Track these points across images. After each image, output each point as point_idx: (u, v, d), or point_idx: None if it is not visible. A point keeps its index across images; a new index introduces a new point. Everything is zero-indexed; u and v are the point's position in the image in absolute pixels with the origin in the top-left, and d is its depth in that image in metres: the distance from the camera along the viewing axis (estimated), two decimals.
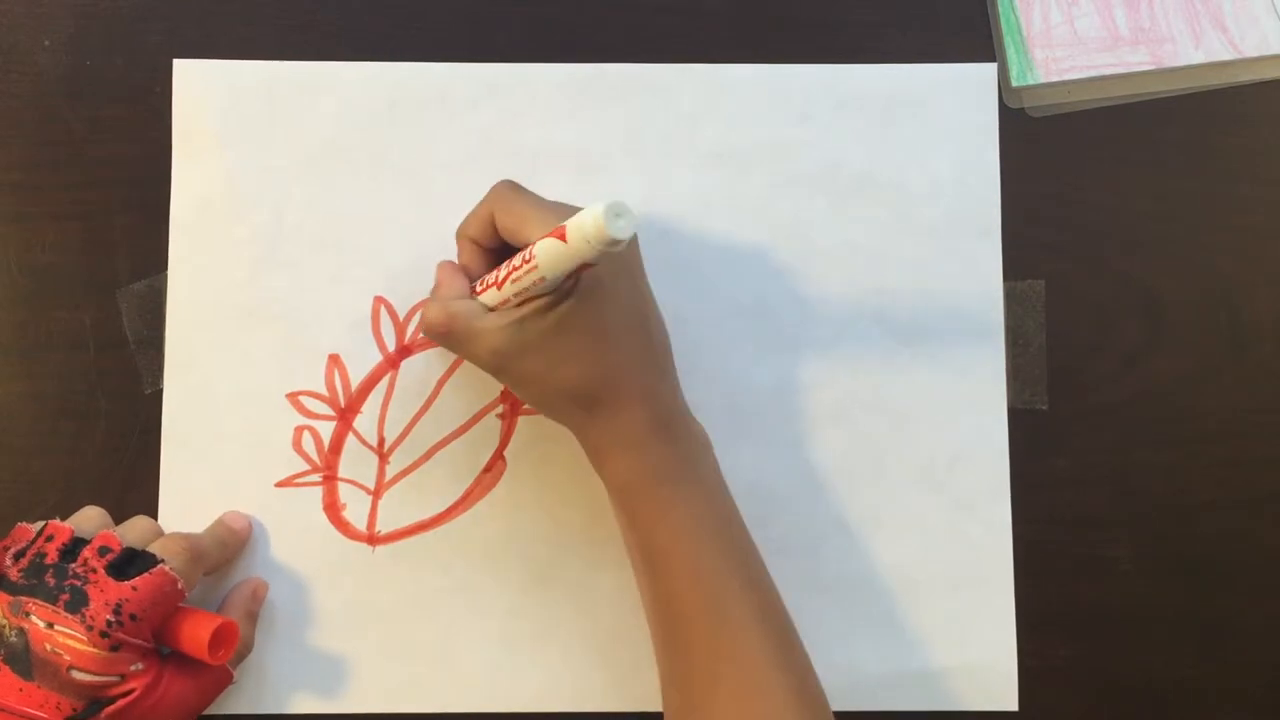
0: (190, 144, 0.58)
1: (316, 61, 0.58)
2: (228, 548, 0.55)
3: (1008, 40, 0.59)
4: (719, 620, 0.48)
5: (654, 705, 0.52)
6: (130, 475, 0.57)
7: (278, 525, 0.57)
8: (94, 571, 0.49)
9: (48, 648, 0.48)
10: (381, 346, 0.57)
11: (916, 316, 0.58)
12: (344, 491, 0.57)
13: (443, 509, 0.57)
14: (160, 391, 0.57)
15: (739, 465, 0.56)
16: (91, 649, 0.48)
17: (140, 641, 0.49)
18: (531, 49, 0.59)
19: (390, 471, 0.57)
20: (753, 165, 0.58)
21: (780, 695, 0.47)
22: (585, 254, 0.44)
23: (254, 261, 0.58)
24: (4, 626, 0.49)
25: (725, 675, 0.48)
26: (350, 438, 0.57)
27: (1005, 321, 0.58)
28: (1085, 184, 0.59)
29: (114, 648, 0.48)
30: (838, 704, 0.55)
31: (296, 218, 0.58)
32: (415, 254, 0.57)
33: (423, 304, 0.55)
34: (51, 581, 0.49)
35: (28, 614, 0.49)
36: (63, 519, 0.52)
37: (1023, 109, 0.59)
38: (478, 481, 0.57)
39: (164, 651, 0.52)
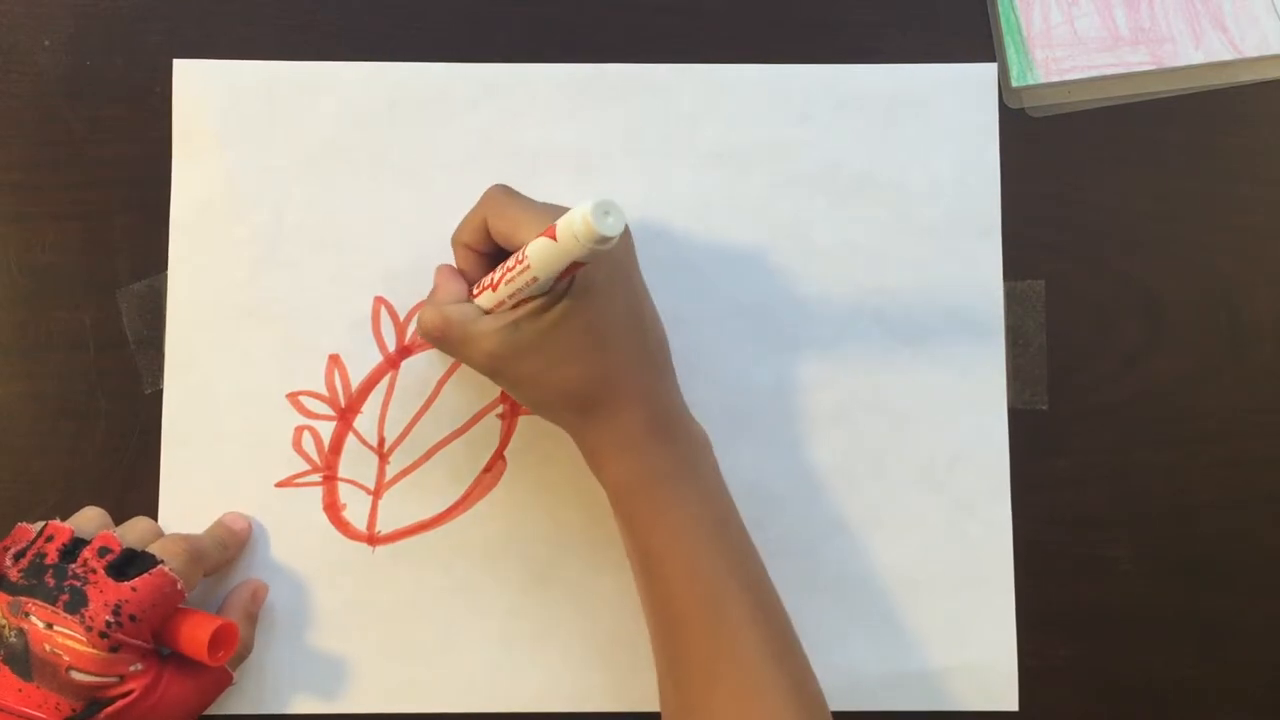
0: (190, 144, 0.58)
1: (316, 61, 0.58)
2: (228, 549, 0.55)
3: (1008, 40, 0.59)
4: (716, 621, 0.48)
5: (654, 705, 0.51)
6: (130, 475, 0.57)
7: (278, 525, 0.57)
8: (94, 572, 0.49)
9: (47, 648, 0.48)
10: (381, 346, 0.57)
11: (916, 316, 0.58)
12: (344, 491, 0.57)
13: (443, 509, 0.57)
14: (160, 391, 0.57)
15: (739, 465, 0.56)
16: (91, 650, 0.48)
17: (140, 642, 0.49)
18: (531, 49, 0.59)
19: (390, 471, 0.57)
20: (753, 165, 0.58)
21: (778, 696, 0.47)
22: (576, 252, 0.44)
23: (254, 261, 0.58)
24: (3, 627, 0.49)
25: (723, 676, 0.48)
26: (350, 438, 0.57)
27: (1005, 321, 0.58)
28: (1085, 184, 0.59)
29: (113, 648, 0.48)
30: (838, 704, 0.55)
31: (296, 218, 0.58)
32: (415, 254, 0.57)
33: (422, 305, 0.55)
34: (51, 582, 0.49)
35: (27, 614, 0.49)
36: (63, 519, 0.52)
37: (1023, 109, 0.59)
38: (478, 481, 0.57)
39: (163, 652, 0.52)
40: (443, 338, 0.51)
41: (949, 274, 0.58)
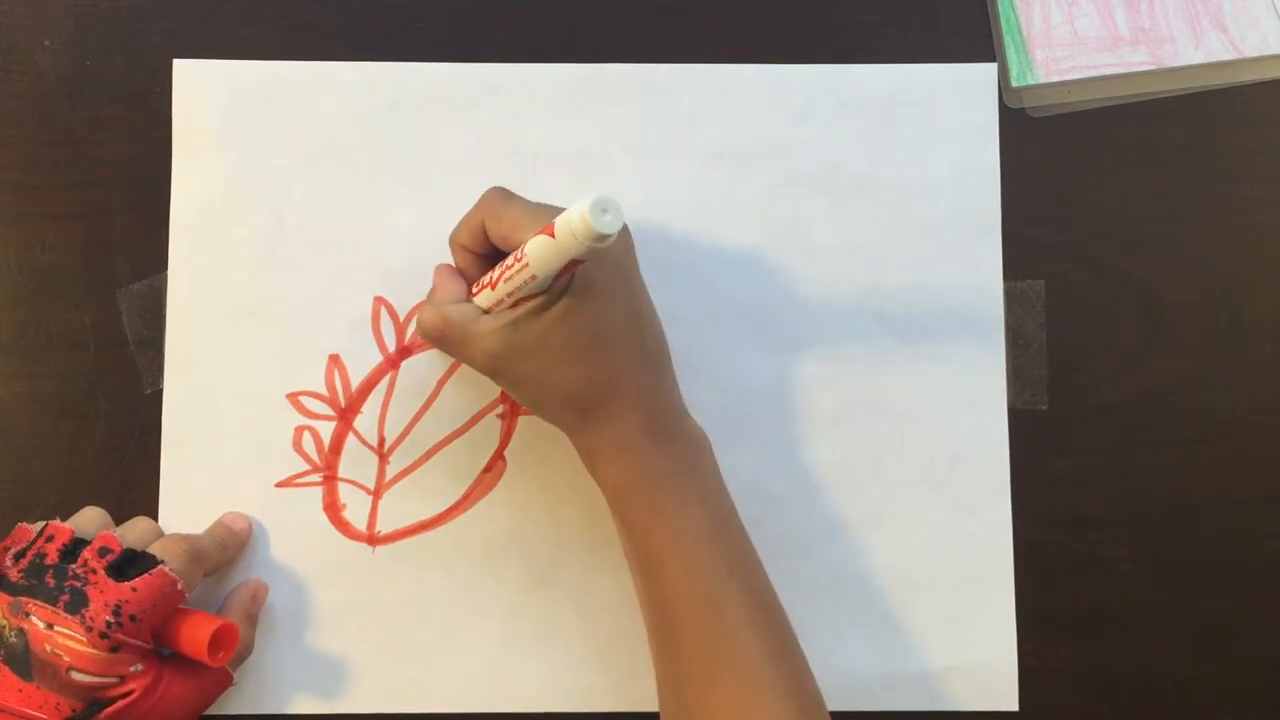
0: (190, 144, 0.58)
1: (316, 61, 0.58)
2: (228, 549, 0.55)
3: (1008, 40, 0.59)
4: (714, 623, 0.48)
5: (654, 706, 0.51)
6: (130, 475, 0.57)
7: (278, 525, 0.57)
8: (94, 572, 0.49)
9: (47, 648, 0.48)
10: (381, 346, 0.57)
11: (916, 316, 0.58)
12: (344, 491, 0.57)
13: (443, 509, 0.57)
14: (160, 391, 0.57)
15: (739, 465, 0.56)
16: (91, 650, 0.48)
17: (140, 643, 0.49)
18: (531, 49, 0.59)
19: (390, 471, 0.57)
20: (753, 165, 0.58)
21: (776, 697, 0.47)
22: (573, 249, 0.44)
23: (254, 261, 0.58)
24: (4, 627, 0.49)
25: (720, 678, 0.48)
26: (350, 438, 0.57)
27: (1005, 321, 0.58)
28: (1085, 184, 0.59)
29: (113, 649, 0.48)
30: (838, 704, 0.55)
31: (296, 218, 0.58)
32: (415, 254, 0.57)
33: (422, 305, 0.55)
34: (51, 582, 0.49)
35: (28, 614, 0.49)
36: (63, 519, 0.52)
37: (1023, 109, 0.59)
38: (478, 481, 0.57)
39: (163, 653, 0.52)
40: (442, 338, 0.51)
41: (949, 274, 0.58)
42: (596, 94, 0.58)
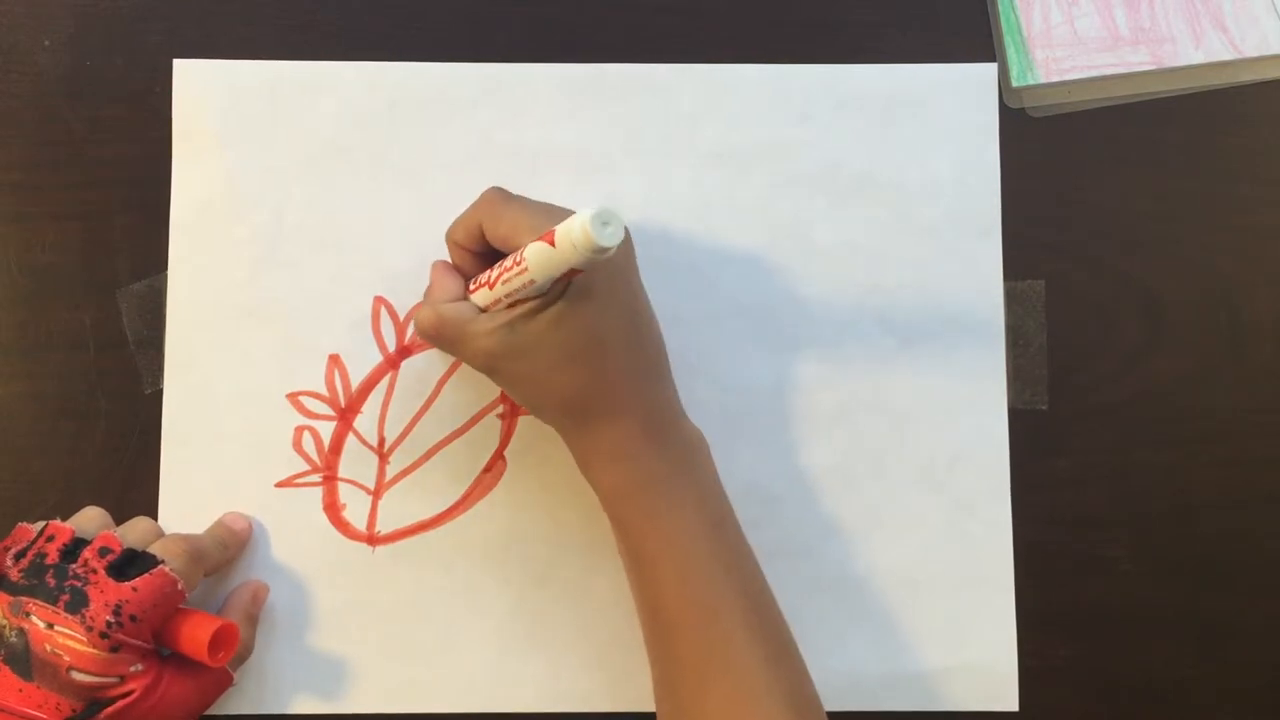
0: (190, 144, 0.58)
1: (316, 61, 0.58)
2: (228, 549, 0.55)
3: (1008, 40, 0.59)
4: (709, 626, 0.48)
5: (653, 707, 0.51)
6: (130, 475, 0.57)
7: (278, 525, 0.57)
8: (94, 572, 0.49)
9: (48, 648, 0.48)
10: (381, 346, 0.57)
11: (916, 316, 0.58)
12: (344, 491, 0.57)
13: (443, 509, 0.57)
14: (160, 391, 0.57)
15: (738, 466, 0.56)
16: (91, 650, 0.48)
17: (140, 643, 0.49)
18: (531, 49, 0.59)
19: (390, 471, 0.57)
20: (753, 165, 0.58)
21: (772, 700, 0.47)
22: (573, 260, 0.44)
23: (254, 261, 0.58)
24: (4, 627, 0.49)
25: (715, 682, 0.48)
26: (350, 438, 0.57)
27: (1005, 321, 0.58)
28: (1085, 184, 0.59)
29: (114, 649, 0.48)
30: (838, 704, 0.55)
31: (296, 218, 0.58)
32: (415, 254, 0.57)
33: None
34: (52, 582, 0.49)
35: (28, 614, 0.49)
36: (63, 519, 0.52)
37: (1023, 109, 0.59)
38: (478, 481, 0.57)
39: (164, 653, 0.52)
40: (438, 336, 0.51)
41: (949, 274, 0.58)
42: (596, 94, 0.58)
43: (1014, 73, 0.59)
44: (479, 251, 0.52)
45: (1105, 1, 0.60)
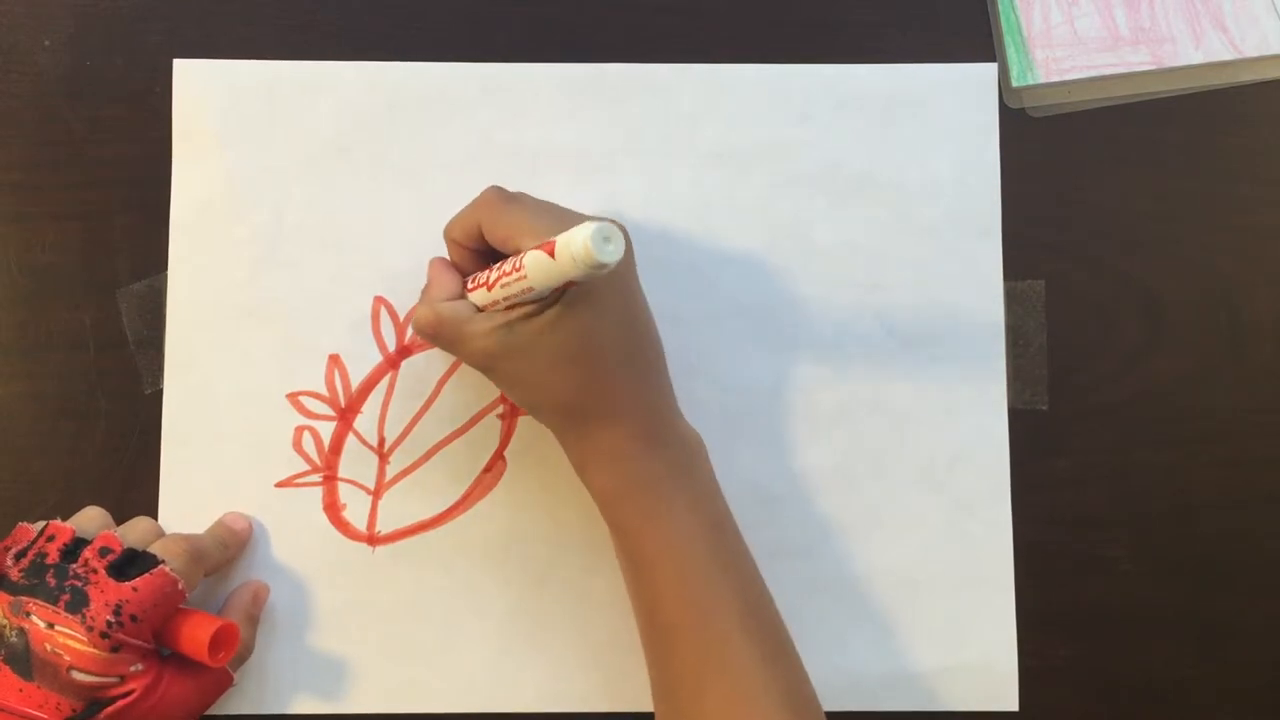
0: (190, 144, 0.58)
1: (316, 61, 0.58)
2: (228, 548, 0.55)
3: (1008, 40, 0.59)
4: (706, 628, 0.48)
5: (652, 706, 0.51)
6: (130, 475, 0.57)
7: (278, 525, 0.57)
8: (95, 572, 0.49)
9: (48, 648, 0.48)
10: (381, 346, 0.57)
11: (916, 316, 0.58)
12: (344, 491, 0.57)
13: (443, 509, 0.57)
14: (160, 391, 0.57)
15: (738, 466, 0.56)
16: (91, 650, 0.48)
17: (140, 642, 0.49)
18: (531, 49, 0.59)
19: (390, 471, 0.57)
20: (753, 165, 0.58)
21: (770, 702, 0.47)
22: (572, 273, 0.44)
23: (254, 261, 0.58)
24: (4, 626, 0.49)
25: (713, 683, 0.48)
26: (350, 438, 0.57)
27: (1005, 321, 0.58)
28: (1085, 184, 0.59)
29: (114, 649, 0.48)
30: (838, 704, 0.55)
31: (296, 218, 0.58)
32: (415, 254, 0.57)
33: None
34: (52, 582, 0.49)
35: (28, 614, 0.49)
36: (63, 519, 0.52)
37: (1023, 109, 0.59)
38: (478, 481, 0.57)
39: (164, 653, 0.52)
40: (436, 335, 0.51)
41: (949, 274, 0.58)
42: (596, 94, 0.58)
43: (1014, 73, 0.59)
44: (477, 249, 0.52)
45: (1105, 1, 0.60)
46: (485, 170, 0.58)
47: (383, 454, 0.57)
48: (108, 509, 0.54)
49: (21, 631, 0.48)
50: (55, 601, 0.48)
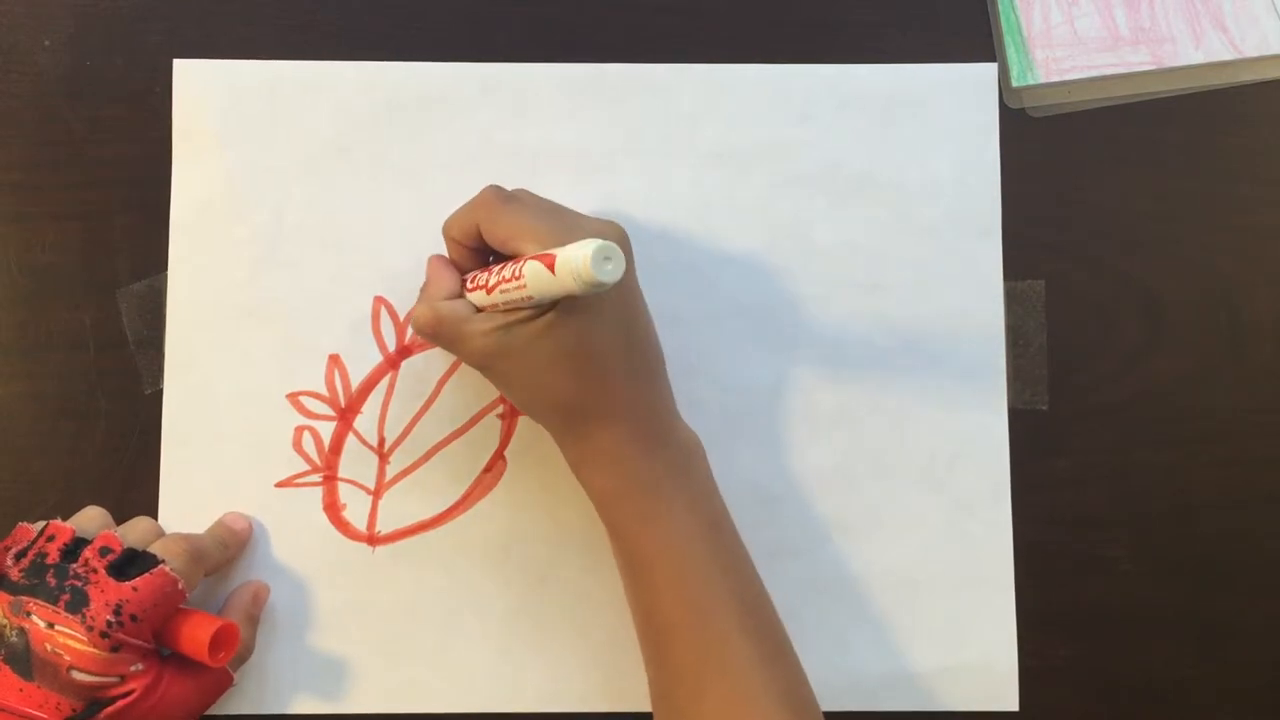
0: (190, 144, 0.58)
1: (316, 61, 0.58)
2: (228, 548, 0.55)
3: (1008, 40, 0.59)
4: (703, 629, 0.48)
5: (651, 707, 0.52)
6: (130, 475, 0.57)
7: (278, 525, 0.57)
8: (95, 572, 0.49)
9: (48, 648, 0.48)
10: (381, 346, 0.57)
11: (916, 316, 0.58)
12: (344, 491, 0.57)
13: (443, 509, 0.57)
14: (160, 391, 0.57)
15: (738, 466, 0.56)
16: (92, 649, 0.48)
17: (140, 642, 0.49)
18: (531, 49, 0.59)
19: (390, 471, 0.57)
20: (753, 165, 0.58)
21: (768, 702, 0.47)
22: (572, 289, 0.44)
23: (254, 261, 0.58)
24: (4, 626, 0.49)
25: (711, 685, 0.48)
26: (350, 438, 0.57)
27: (1005, 321, 0.58)
28: (1085, 184, 0.59)
29: (114, 648, 0.48)
30: (838, 704, 0.55)
31: (296, 218, 0.58)
32: (415, 254, 0.57)
33: None
34: (52, 581, 0.49)
35: (28, 614, 0.49)
36: (63, 519, 0.52)
37: (1023, 109, 0.59)
38: (478, 481, 0.57)
39: (164, 653, 0.52)
40: (435, 334, 0.51)
41: (949, 274, 0.58)
42: (596, 94, 0.58)
43: (1014, 73, 0.59)
44: (476, 247, 0.52)
45: (1105, 1, 0.60)
46: (485, 170, 0.58)
47: (383, 454, 0.57)
48: (108, 509, 0.54)
49: (21, 631, 0.48)
50: (55, 601, 0.48)
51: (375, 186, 0.58)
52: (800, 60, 0.59)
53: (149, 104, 0.58)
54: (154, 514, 0.56)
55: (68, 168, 0.58)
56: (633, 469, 0.50)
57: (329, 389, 0.57)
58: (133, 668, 0.49)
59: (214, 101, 0.58)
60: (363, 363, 0.57)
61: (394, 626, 0.56)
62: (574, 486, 0.52)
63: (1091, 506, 0.58)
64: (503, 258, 0.50)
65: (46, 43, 0.59)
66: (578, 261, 0.43)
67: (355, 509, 0.57)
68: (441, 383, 0.57)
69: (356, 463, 0.57)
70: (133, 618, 0.49)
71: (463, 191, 0.53)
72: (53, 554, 0.50)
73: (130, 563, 0.50)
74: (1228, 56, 0.59)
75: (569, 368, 0.49)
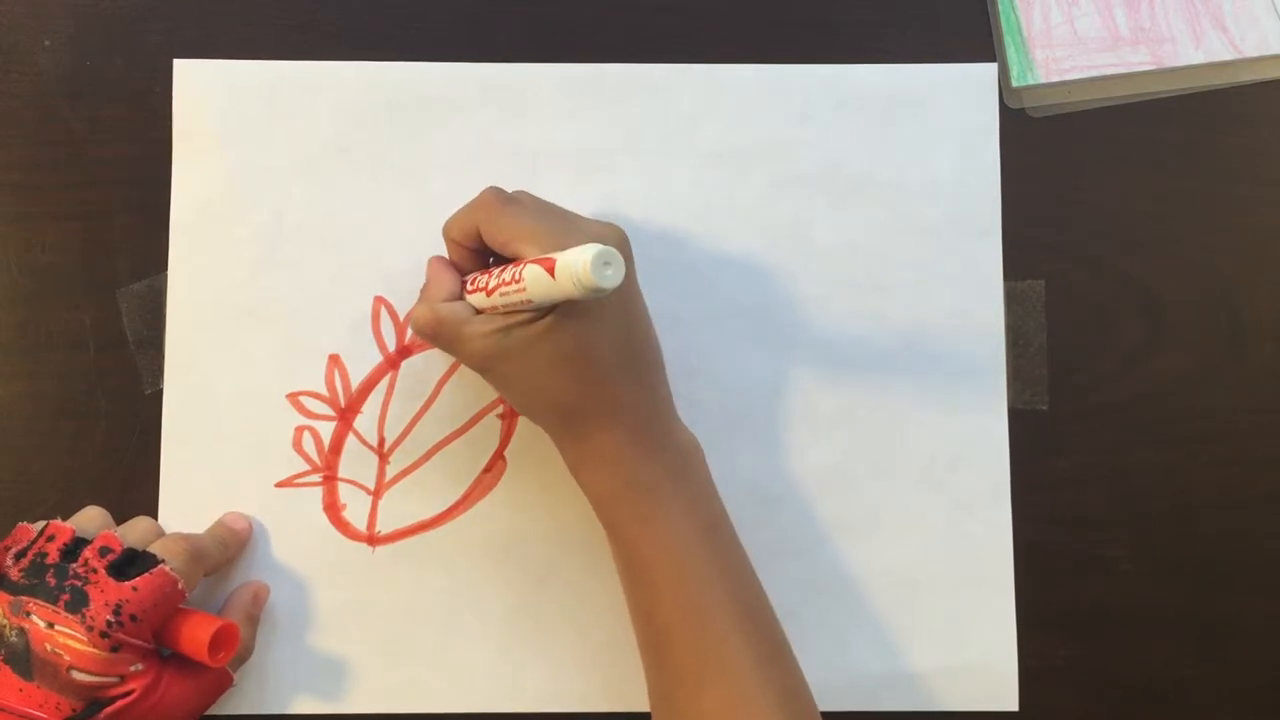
0: (190, 144, 0.58)
1: (316, 61, 0.58)
2: (228, 548, 0.55)
3: (1008, 40, 0.59)
4: (701, 630, 0.48)
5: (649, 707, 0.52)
6: (130, 475, 0.57)
7: (278, 525, 0.57)
8: (95, 572, 0.49)
9: (48, 648, 0.48)
10: (381, 346, 0.57)
11: (916, 316, 0.58)
12: (344, 491, 0.57)
13: (443, 509, 0.57)
14: (160, 391, 0.57)
15: (738, 466, 0.56)
16: (91, 649, 0.48)
17: (140, 642, 0.49)
18: (531, 49, 0.59)
19: (390, 471, 0.57)
20: (753, 165, 0.58)
21: (767, 703, 0.47)
22: (572, 294, 0.44)
23: (254, 261, 0.58)
24: (4, 626, 0.49)
25: (710, 684, 0.48)
26: (350, 438, 0.57)
27: (1005, 321, 0.58)
28: (1085, 184, 0.59)
29: (114, 648, 0.48)
30: (838, 704, 0.55)
31: (296, 218, 0.58)
32: (415, 254, 0.57)
33: None
34: (52, 581, 0.49)
35: (28, 614, 0.49)
36: (63, 519, 0.52)
37: (1023, 109, 0.59)
38: (478, 481, 0.57)
39: (164, 653, 0.52)
40: (434, 335, 0.51)
41: (949, 274, 0.58)
42: (596, 94, 0.58)
43: (1014, 73, 0.59)
44: (476, 248, 0.52)
45: (1105, 1, 0.60)
46: (485, 170, 0.58)
47: (383, 454, 0.57)
48: (108, 509, 0.54)
49: (21, 631, 0.48)
50: (55, 601, 0.48)
51: (375, 186, 0.58)
52: (800, 60, 0.59)
53: (149, 104, 0.58)
54: (154, 514, 0.56)
55: (68, 168, 0.58)
56: (631, 471, 0.50)
57: (329, 389, 0.57)
58: (132, 668, 0.49)
59: (214, 101, 0.58)
60: (363, 363, 0.57)
61: (394, 626, 0.56)
62: (574, 487, 0.52)
63: (1091, 506, 0.58)
64: (503, 259, 0.50)
65: (46, 43, 0.59)
66: (578, 266, 0.43)
67: (355, 509, 0.57)
68: (441, 383, 0.57)
69: (356, 463, 0.57)
70: (133, 618, 0.49)
71: (463, 192, 0.53)
72: (53, 554, 0.50)
73: (130, 563, 0.50)
74: (1228, 56, 0.59)
75: (568, 371, 0.49)
